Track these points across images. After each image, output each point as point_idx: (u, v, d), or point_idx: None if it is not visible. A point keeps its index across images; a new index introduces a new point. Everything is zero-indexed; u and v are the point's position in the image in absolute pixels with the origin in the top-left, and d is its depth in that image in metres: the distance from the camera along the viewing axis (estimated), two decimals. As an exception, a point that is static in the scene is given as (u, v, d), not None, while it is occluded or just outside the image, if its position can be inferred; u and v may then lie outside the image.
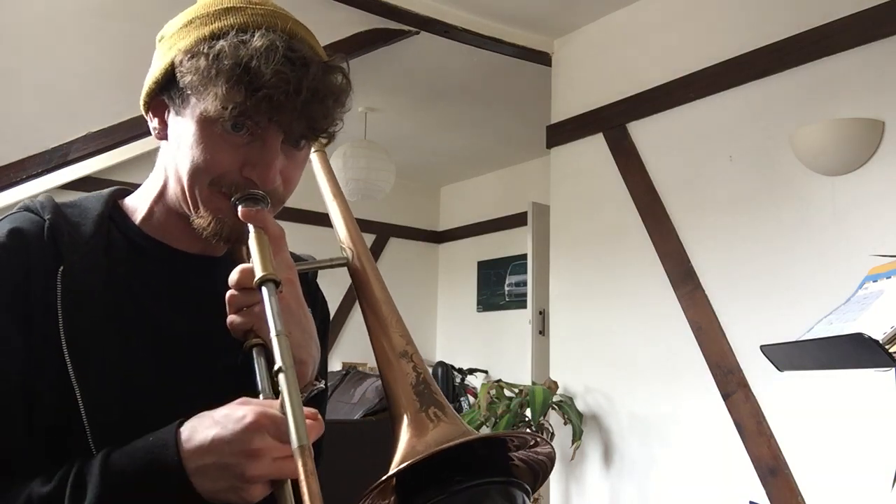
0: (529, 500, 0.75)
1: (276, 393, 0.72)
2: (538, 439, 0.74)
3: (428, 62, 4.00)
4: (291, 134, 0.83)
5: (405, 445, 0.71)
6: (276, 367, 0.69)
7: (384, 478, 0.68)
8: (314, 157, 1.00)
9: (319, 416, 0.71)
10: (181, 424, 0.72)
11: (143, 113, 0.90)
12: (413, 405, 0.74)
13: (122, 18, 3.32)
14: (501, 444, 0.75)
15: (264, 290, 0.73)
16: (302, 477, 0.62)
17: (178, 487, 0.69)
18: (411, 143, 5.41)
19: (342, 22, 3.46)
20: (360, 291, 0.87)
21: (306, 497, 0.62)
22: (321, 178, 1.00)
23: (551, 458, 0.76)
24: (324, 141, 0.90)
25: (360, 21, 3.48)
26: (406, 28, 3.53)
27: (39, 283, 0.80)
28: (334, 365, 5.72)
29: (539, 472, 0.77)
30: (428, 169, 6.18)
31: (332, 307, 6.19)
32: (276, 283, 0.74)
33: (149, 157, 0.94)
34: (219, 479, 0.69)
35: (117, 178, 4.87)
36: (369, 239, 6.19)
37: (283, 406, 0.67)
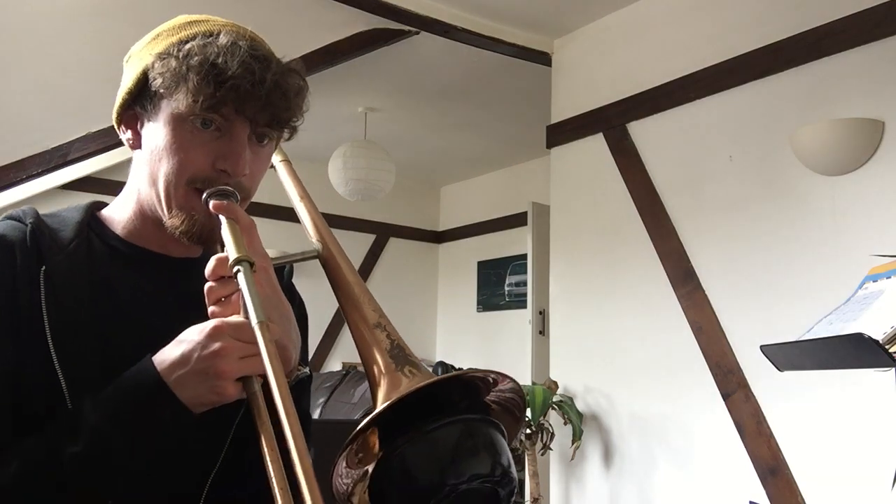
0: (504, 436, 0.79)
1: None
2: (494, 376, 0.78)
3: (428, 62, 4.00)
4: (257, 125, 0.89)
5: (382, 398, 0.76)
6: (231, 260, 0.77)
7: (360, 426, 0.72)
8: (280, 166, 1.07)
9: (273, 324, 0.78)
10: (152, 355, 0.79)
11: (116, 127, 0.96)
12: (389, 367, 0.79)
13: (121, 19, 3.32)
14: (475, 390, 0.79)
15: (240, 269, 0.77)
16: (262, 344, 0.70)
17: (167, 403, 0.76)
18: (411, 143, 5.41)
19: (342, 22, 3.46)
20: (333, 278, 0.93)
21: (267, 363, 0.69)
22: (288, 184, 1.06)
23: (518, 392, 0.80)
24: (286, 135, 0.95)
25: (360, 21, 3.48)
26: (406, 28, 3.53)
27: (24, 285, 0.83)
28: (334, 365, 5.72)
29: (513, 410, 0.81)
30: (428, 169, 6.18)
31: (331, 310, 6.12)
32: (251, 264, 0.78)
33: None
34: (197, 384, 0.76)
35: (117, 178, 4.87)
36: (369, 239, 6.19)
37: (242, 300, 0.76)
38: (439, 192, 6.79)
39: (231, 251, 0.79)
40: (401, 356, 0.80)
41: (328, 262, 0.94)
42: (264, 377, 0.71)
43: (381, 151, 4.55)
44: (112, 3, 3.25)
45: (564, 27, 3.66)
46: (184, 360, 0.76)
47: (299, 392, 0.93)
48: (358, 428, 0.71)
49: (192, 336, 0.77)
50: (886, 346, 1.29)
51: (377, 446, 0.75)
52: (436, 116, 4.92)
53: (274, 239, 4.82)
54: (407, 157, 5.54)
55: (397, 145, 5.10)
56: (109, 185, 4.94)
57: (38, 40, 3.50)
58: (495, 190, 6.14)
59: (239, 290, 0.77)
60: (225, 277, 0.80)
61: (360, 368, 4.42)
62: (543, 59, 3.79)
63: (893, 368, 1.31)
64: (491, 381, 0.78)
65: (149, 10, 3.15)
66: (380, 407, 0.73)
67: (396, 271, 6.26)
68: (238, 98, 0.84)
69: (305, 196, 1.03)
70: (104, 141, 4.29)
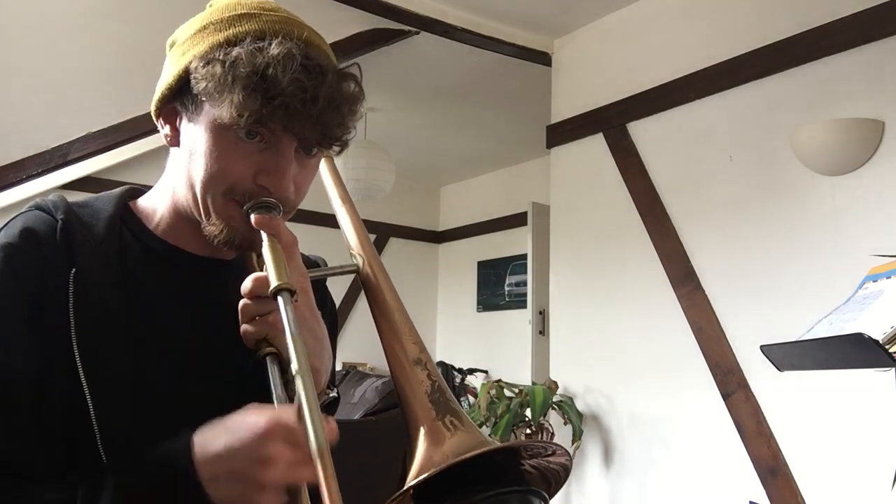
0: None
1: (291, 399, 0.72)
2: (556, 449, 0.73)
3: (428, 62, 4.00)
4: (305, 142, 0.83)
5: (422, 456, 0.71)
6: (293, 371, 0.68)
7: (402, 490, 0.67)
8: (322, 162, 1.00)
9: (333, 422, 0.70)
10: (194, 433, 0.72)
11: (154, 119, 0.89)
12: (429, 414, 0.74)
13: (121, 19, 3.33)
14: (516, 452, 0.75)
15: (280, 299, 0.72)
16: (322, 479, 0.62)
17: (192, 496, 0.70)
18: (411, 143, 5.41)
19: (342, 22, 3.46)
20: (372, 298, 0.87)
21: (326, 500, 0.61)
22: (329, 184, 1.00)
23: (566, 469, 0.75)
24: (336, 149, 0.88)
25: (360, 21, 3.48)
26: (406, 28, 3.53)
27: (52, 285, 0.79)
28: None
29: (552, 481, 0.76)
30: (428, 169, 6.18)
31: (332, 307, 6.09)
32: (292, 293, 0.73)
33: (149, 157, 0.94)
34: (231, 486, 0.69)
35: (117, 178, 4.87)
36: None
37: (300, 411, 0.66)
38: (439, 192, 6.79)
39: (272, 276, 0.74)
40: (441, 401, 0.75)
41: (368, 280, 0.87)
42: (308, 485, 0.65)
43: (381, 151, 4.55)
44: (112, 3, 3.25)
45: (564, 27, 3.66)
46: (225, 456, 0.69)
47: (327, 414, 0.89)
48: (394, 496, 0.67)
49: (239, 429, 0.69)
50: (886, 346, 1.29)
51: (413, 498, 0.70)
52: (436, 116, 4.92)
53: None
54: (407, 157, 5.54)
55: (397, 145, 5.10)
56: (109, 185, 4.88)
57: (38, 41, 3.50)
58: (495, 190, 6.14)
59: (274, 310, 0.74)
60: (262, 297, 0.76)
61: (360, 368, 4.42)
62: (543, 59, 3.79)
63: (893, 368, 1.31)
64: (550, 451, 0.73)
65: (148, 11, 3.16)
66: (419, 477, 0.68)
67: (396, 271, 6.16)
68: (287, 116, 0.78)
69: (347, 200, 0.96)
70: (104, 141, 4.29)
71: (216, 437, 0.70)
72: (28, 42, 3.50)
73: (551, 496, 0.77)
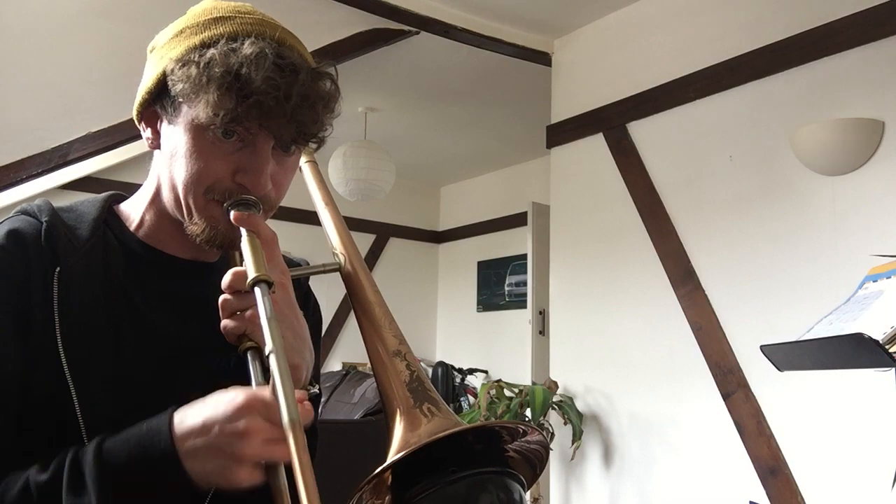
0: (525, 490, 0.76)
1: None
2: (526, 428, 0.75)
3: (428, 62, 4.00)
4: (282, 139, 0.84)
5: (399, 440, 0.73)
6: (266, 351, 0.69)
7: (377, 471, 0.69)
8: (305, 167, 1.01)
9: (308, 403, 0.71)
10: (175, 410, 0.74)
11: (136, 123, 0.91)
12: (407, 402, 0.76)
13: (121, 19, 3.33)
14: (496, 437, 0.76)
15: (257, 290, 0.73)
16: (293, 450, 0.63)
17: (170, 472, 0.70)
18: (411, 143, 5.41)
19: (342, 22, 3.46)
20: (353, 295, 0.89)
21: (297, 469, 0.62)
22: (312, 187, 1.02)
23: (544, 446, 0.77)
24: (314, 146, 0.90)
25: (360, 21, 3.48)
26: (406, 28, 3.53)
27: (37, 285, 0.81)
28: (334, 365, 5.73)
29: (535, 462, 0.78)
30: (428, 169, 6.18)
31: (332, 309, 6.12)
32: (269, 284, 0.74)
33: (149, 158, 0.94)
34: (209, 460, 0.70)
35: (117, 178, 4.88)
36: (369, 239, 6.19)
37: (273, 386, 0.68)
38: (439, 192, 6.79)
39: (250, 269, 0.75)
40: (420, 390, 0.77)
41: (350, 277, 0.90)
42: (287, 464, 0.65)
43: (381, 151, 4.55)
44: (112, 3, 3.25)
45: (564, 27, 3.66)
46: (204, 429, 0.70)
47: None
48: (370, 476, 0.68)
49: (218, 404, 0.71)
50: (886, 346, 1.29)
51: (390, 487, 0.72)
52: (436, 116, 4.92)
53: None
54: (407, 157, 5.54)
55: (397, 145, 5.10)
56: (109, 185, 4.94)
57: (38, 41, 3.50)
58: (495, 190, 6.14)
59: (254, 305, 0.74)
60: (241, 292, 0.77)
61: (360, 368, 4.42)
62: (543, 59, 3.79)
63: (893, 368, 1.31)
64: (520, 431, 0.75)
65: (148, 10, 3.15)
66: (395, 456, 0.69)
67: (396, 271, 6.26)
68: (261, 114, 0.80)
69: (330, 202, 0.98)
70: (104, 141, 4.29)
71: (195, 413, 0.72)
72: (28, 42, 3.50)
73: (538, 475, 0.78)
